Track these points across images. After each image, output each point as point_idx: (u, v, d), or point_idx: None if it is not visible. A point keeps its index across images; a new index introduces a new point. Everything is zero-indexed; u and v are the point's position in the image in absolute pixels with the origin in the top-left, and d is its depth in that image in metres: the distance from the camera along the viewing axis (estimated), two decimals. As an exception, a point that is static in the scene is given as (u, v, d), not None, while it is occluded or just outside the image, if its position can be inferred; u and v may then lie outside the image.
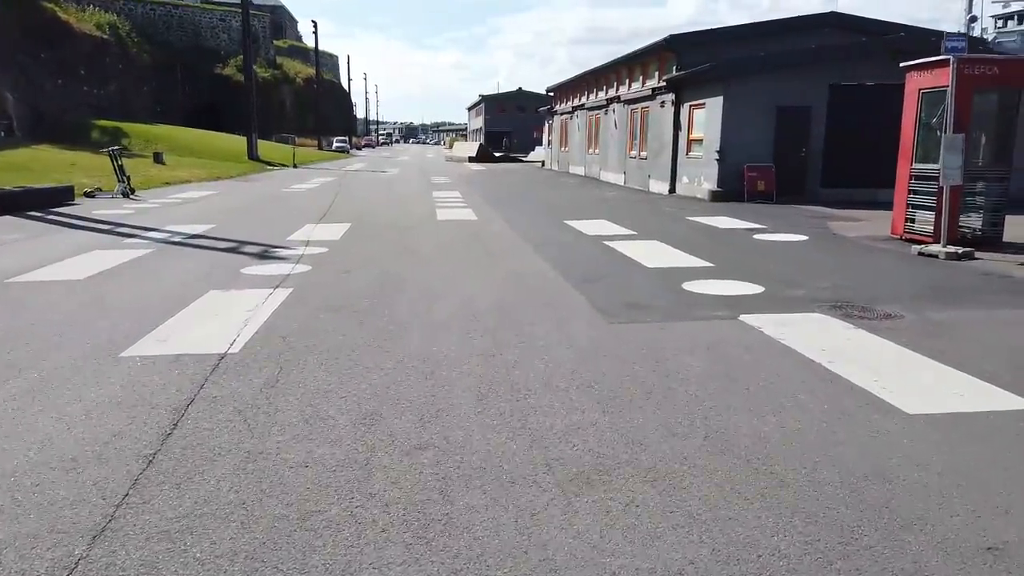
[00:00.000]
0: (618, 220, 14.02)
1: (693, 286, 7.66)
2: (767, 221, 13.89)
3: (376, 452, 3.57)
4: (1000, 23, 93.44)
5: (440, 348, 5.34)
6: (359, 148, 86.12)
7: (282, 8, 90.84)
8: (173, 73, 53.62)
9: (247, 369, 4.82)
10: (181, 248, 10.32)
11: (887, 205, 12.56)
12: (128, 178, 19.22)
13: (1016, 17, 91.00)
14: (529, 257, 9.67)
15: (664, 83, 21.74)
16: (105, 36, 44.31)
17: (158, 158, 30.09)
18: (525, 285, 7.76)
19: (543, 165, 44.79)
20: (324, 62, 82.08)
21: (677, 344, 5.48)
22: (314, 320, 6.16)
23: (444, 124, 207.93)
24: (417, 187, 24.71)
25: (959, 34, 9.59)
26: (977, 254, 9.60)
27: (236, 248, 10.32)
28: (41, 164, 24.05)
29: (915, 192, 10.82)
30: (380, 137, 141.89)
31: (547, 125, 44.93)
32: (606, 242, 11.02)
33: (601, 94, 30.11)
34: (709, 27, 26.05)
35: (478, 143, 62.42)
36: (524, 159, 54.68)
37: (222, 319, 6.17)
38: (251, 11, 40.55)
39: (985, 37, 49.99)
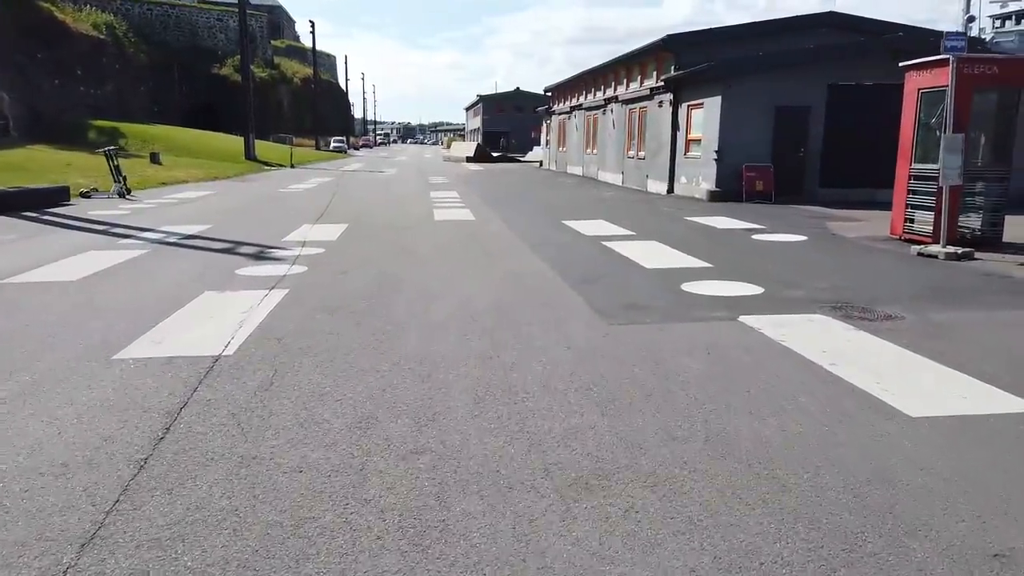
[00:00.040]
0: (616, 220, 13.97)
1: (692, 287, 7.61)
2: (766, 221, 13.85)
3: (371, 457, 3.51)
4: (998, 23, 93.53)
5: (437, 350, 5.29)
6: (357, 148, 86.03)
7: (279, 8, 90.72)
8: (170, 73, 53.49)
9: (241, 372, 4.76)
10: (176, 249, 10.26)
11: (885, 205, 12.53)
12: (124, 178, 19.14)
13: (1014, 17, 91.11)
14: (527, 258, 9.62)
15: (662, 83, 21.70)
16: (102, 36, 44.20)
17: (155, 158, 30.00)
18: (523, 286, 7.71)
19: (541, 165, 44.75)
20: (322, 62, 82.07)
21: (676, 345, 5.43)
22: (310, 321, 6.10)
23: (442, 124, 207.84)
24: (415, 187, 24.66)
25: (959, 33, 9.54)
26: (977, 254, 9.57)
27: (232, 249, 10.25)
28: (37, 164, 23.97)
29: (914, 192, 10.78)
30: (378, 137, 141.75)
31: (545, 125, 44.89)
32: (604, 242, 10.97)
33: (599, 94, 30.07)
34: (706, 27, 26.02)
35: (476, 143, 62.36)
36: (522, 159, 54.63)
37: (217, 321, 6.11)
38: (248, 11, 40.49)
39: (983, 37, 50.01)
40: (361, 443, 3.67)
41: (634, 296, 7.20)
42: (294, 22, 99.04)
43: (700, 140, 19.85)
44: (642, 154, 24.33)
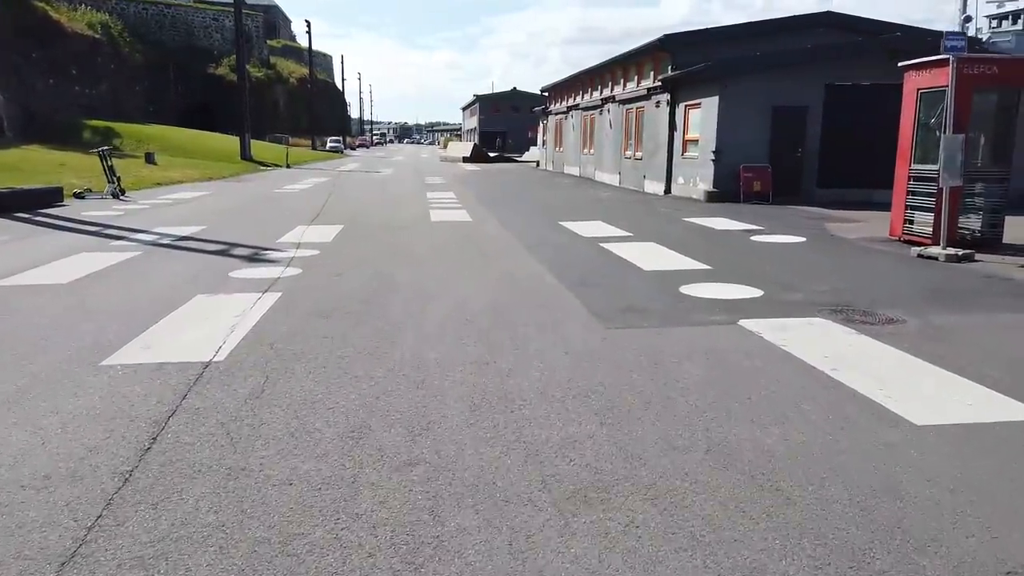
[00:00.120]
0: (613, 221, 13.88)
1: (691, 289, 7.52)
2: (764, 222, 13.77)
3: (364, 468, 3.42)
4: (995, 23, 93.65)
5: (433, 355, 5.19)
6: (353, 148, 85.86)
7: (275, 8, 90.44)
8: (166, 73, 53.27)
9: (232, 378, 4.66)
10: (169, 250, 10.14)
11: (883, 206, 12.46)
12: (118, 179, 19.00)
13: (1010, 17, 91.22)
14: (524, 259, 9.52)
15: (659, 83, 21.61)
16: (97, 35, 43.99)
17: (150, 158, 29.83)
18: (520, 289, 7.62)
19: (538, 165, 44.64)
20: (318, 62, 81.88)
21: (676, 350, 5.34)
22: (303, 325, 6.00)
23: (439, 124, 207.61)
24: (411, 187, 24.55)
25: (959, 33, 9.46)
26: (977, 256, 9.49)
27: (226, 250, 10.14)
28: (30, 164, 23.80)
29: (914, 193, 10.71)
30: (374, 137, 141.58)
31: (542, 125, 44.77)
32: (602, 244, 10.88)
33: (596, 94, 29.98)
34: (703, 27, 25.94)
35: (472, 143, 62.21)
36: (519, 159, 54.52)
37: (208, 325, 6.00)
38: (244, 11, 40.30)
39: (980, 37, 50.02)
40: (353, 453, 3.57)
41: (632, 299, 7.11)
42: (290, 22, 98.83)
43: (697, 140, 19.77)
44: (639, 154, 24.24)
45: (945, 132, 9.54)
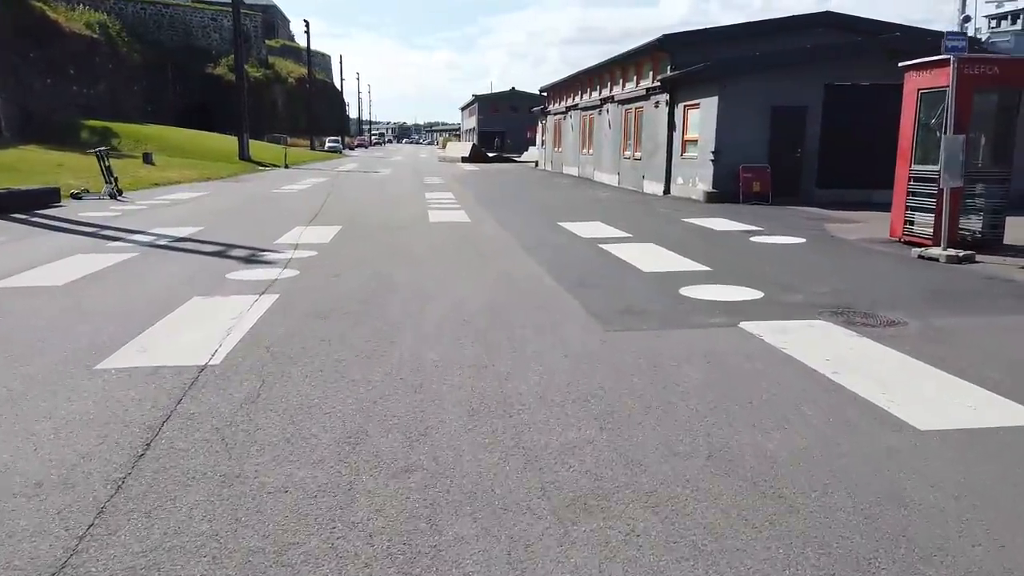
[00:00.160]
0: (612, 222, 13.83)
1: (690, 291, 7.48)
2: (763, 223, 13.73)
3: (360, 475, 3.37)
4: (993, 23, 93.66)
5: (430, 358, 5.14)
6: (352, 148, 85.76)
7: (274, 7, 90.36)
8: (164, 73, 53.18)
9: (228, 382, 4.61)
10: (166, 252, 10.09)
11: (883, 206, 12.42)
12: (116, 179, 18.95)
13: (1009, 17, 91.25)
14: (522, 260, 9.47)
15: (658, 83, 21.57)
16: (95, 35, 43.88)
17: (148, 158, 29.75)
18: (518, 290, 7.57)
19: (536, 165, 44.59)
20: (316, 62, 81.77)
21: (676, 353, 5.29)
22: (300, 328, 5.95)
23: (437, 124, 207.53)
24: (410, 188, 24.49)
25: (959, 34, 9.42)
26: (978, 257, 9.45)
27: (223, 252, 10.09)
28: (28, 165, 23.73)
29: (914, 194, 10.66)
30: (373, 137, 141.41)
31: (540, 125, 44.73)
32: (601, 245, 10.84)
33: (595, 94, 29.93)
34: (702, 27, 25.90)
35: (471, 143, 62.15)
36: (517, 159, 54.47)
37: (204, 327, 5.95)
38: (242, 10, 40.26)
39: (979, 37, 50.00)
40: (350, 460, 3.52)
41: (631, 300, 7.06)
42: (289, 21, 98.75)
43: (696, 141, 19.72)
44: (638, 155, 24.20)
45: (946, 132, 9.50)
